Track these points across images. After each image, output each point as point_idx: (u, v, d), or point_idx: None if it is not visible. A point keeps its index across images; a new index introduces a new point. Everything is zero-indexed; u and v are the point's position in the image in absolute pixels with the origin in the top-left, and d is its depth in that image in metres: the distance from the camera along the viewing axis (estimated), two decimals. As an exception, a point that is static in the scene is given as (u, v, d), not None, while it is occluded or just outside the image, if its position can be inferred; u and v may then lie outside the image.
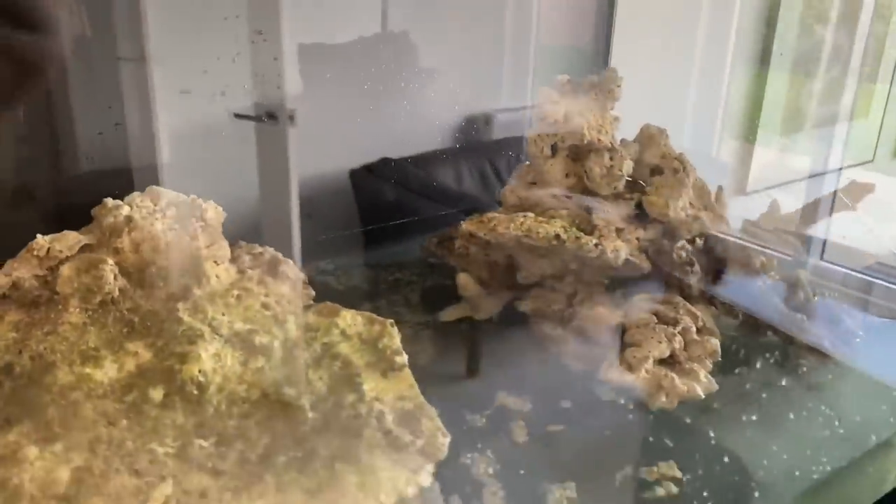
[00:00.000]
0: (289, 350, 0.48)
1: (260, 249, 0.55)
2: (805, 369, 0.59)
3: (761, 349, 0.61)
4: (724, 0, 1.50)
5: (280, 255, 0.54)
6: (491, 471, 0.47)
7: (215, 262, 0.51)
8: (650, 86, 0.94)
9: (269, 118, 1.16)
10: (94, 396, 0.42)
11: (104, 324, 0.46)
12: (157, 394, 0.43)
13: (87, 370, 0.44)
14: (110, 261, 0.47)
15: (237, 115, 1.13)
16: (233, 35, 0.90)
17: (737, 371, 0.58)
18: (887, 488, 0.47)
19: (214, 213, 0.54)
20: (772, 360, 0.60)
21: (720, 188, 0.70)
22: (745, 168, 1.57)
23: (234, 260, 0.53)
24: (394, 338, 0.49)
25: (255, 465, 0.41)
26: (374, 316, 0.51)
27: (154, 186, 0.55)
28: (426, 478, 0.42)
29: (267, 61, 1.02)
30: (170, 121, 0.95)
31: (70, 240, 0.49)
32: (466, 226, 0.63)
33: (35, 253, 0.48)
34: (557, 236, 0.60)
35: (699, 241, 0.68)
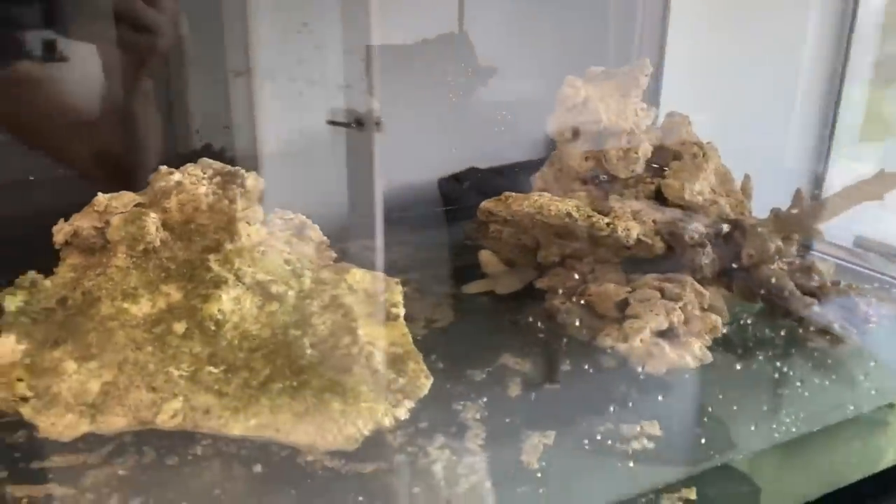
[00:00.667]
0: (300, 299, 0.53)
1: (291, 215, 0.61)
2: (812, 348, 0.59)
3: (772, 330, 0.62)
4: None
5: (309, 222, 0.60)
6: (478, 416, 0.51)
7: (247, 222, 0.57)
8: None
9: (358, 125, 1.24)
10: (128, 326, 0.49)
11: (145, 268, 0.53)
12: (179, 327, 0.49)
13: (126, 305, 0.51)
14: (153, 214, 0.55)
15: (330, 122, 1.21)
16: (322, 40, 0.96)
17: (739, 350, 0.59)
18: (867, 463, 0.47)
19: (254, 182, 0.61)
20: (777, 340, 0.60)
21: (747, 177, 0.70)
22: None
23: (266, 222, 0.60)
24: (395, 294, 0.54)
25: (254, 391, 0.47)
26: (381, 274, 0.56)
27: (205, 158, 0.62)
28: (403, 412, 0.47)
29: (357, 67, 1.08)
30: (270, 126, 1.02)
31: (126, 199, 0.57)
32: (486, 204, 0.67)
33: (95, 208, 0.56)
34: (569, 214, 0.63)
35: (726, 227, 0.69)
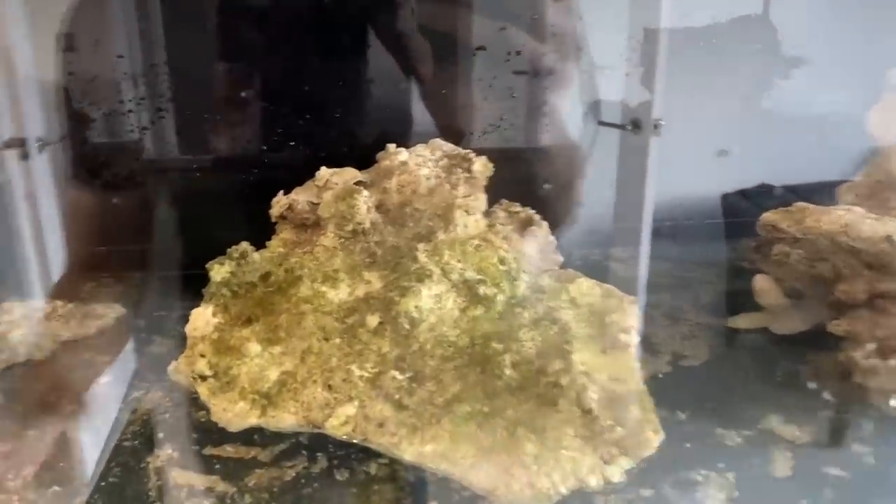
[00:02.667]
0: (510, 306, 0.44)
1: (518, 209, 0.52)
2: None
3: None
4: None
5: (537, 217, 0.51)
6: (723, 497, 0.38)
7: (466, 211, 0.50)
8: None
9: (634, 127, 1.12)
10: (320, 312, 0.44)
11: (351, 251, 0.48)
12: (372, 320, 0.43)
13: (324, 288, 0.46)
14: (365, 193, 0.49)
15: (601, 123, 1.12)
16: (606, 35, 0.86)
17: None
18: None
19: (481, 167, 0.53)
20: None
21: None
22: None
23: (488, 213, 0.52)
24: (628, 315, 0.42)
25: (437, 409, 0.39)
26: (615, 290, 0.45)
27: (437, 139, 0.56)
28: (617, 473, 0.35)
29: (633, 56, 0.97)
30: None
31: (347, 175, 0.53)
32: (770, 216, 0.52)
33: (316, 182, 0.52)
34: (890, 238, 0.46)
35: None
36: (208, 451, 0.42)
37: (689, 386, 0.48)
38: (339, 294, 0.45)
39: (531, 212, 0.52)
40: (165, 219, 0.66)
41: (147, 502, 0.38)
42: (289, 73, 0.65)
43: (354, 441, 0.38)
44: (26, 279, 0.63)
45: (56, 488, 0.39)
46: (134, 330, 0.54)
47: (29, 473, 0.40)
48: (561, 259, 0.49)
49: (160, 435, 0.43)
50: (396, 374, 0.41)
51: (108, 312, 0.54)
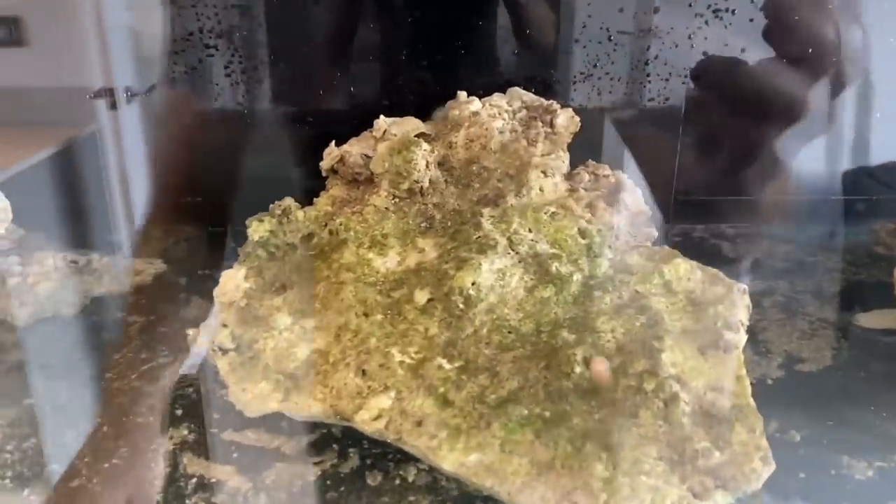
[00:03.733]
0: (588, 288, 0.36)
1: (608, 172, 0.44)
2: None
3: None
4: None
5: (629, 183, 0.43)
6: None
7: (544, 172, 0.42)
8: None
9: None
10: (363, 282, 0.38)
11: (405, 213, 0.42)
12: (421, 296, 0.36)
13: (370, 255, 0.39)
14: (425, 146, 0.42)
15: None
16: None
17: None
18: None
19: (567, 121, 0.45)
20: None
21: None
22: None
23: (570, 175, 0.44)
24: (736, 308, 0.34)
25: (488, 409, 0.31)
26: (721, 275, 0.36)
27: (516, 88, 0.48)
28: (711, 511, 0.27)
29: None
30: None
31: (408, 125, 0.46)
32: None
33: (373, 133, 0.45)
34: None
35: None
36: (228, 435, 0.37)
37: (805, 397, 0.39)
38: (387, 263, 0.39)
39: (622, 175, 0.44)
40: (247, 172, 0.62)
41: (148, 491, 0.33)
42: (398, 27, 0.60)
43: (388, 440, 0.32)
44: (109, 229, 0.62)
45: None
46: (173, 288, 0.50)
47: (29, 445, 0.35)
48: (655, 234, 0.41)
49: (178, 412, 0.38)
50: (444, 362, 0.34)
51: (148, 268, 0.50)
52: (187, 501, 0.32)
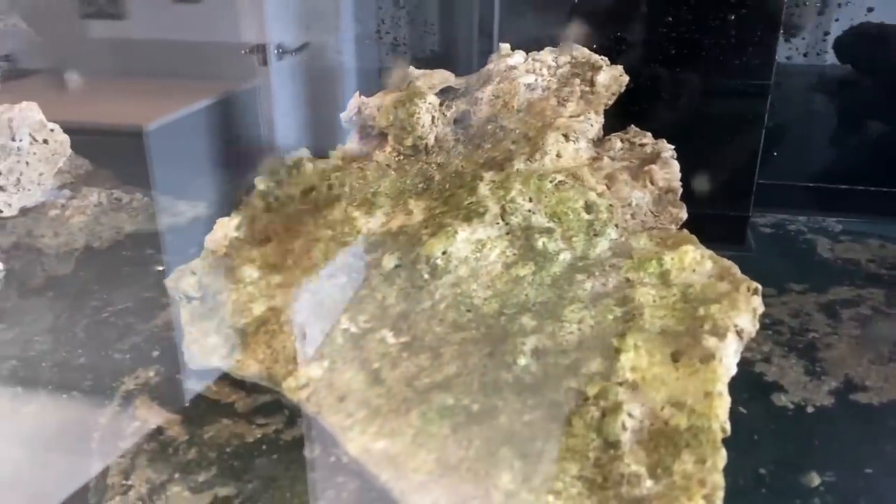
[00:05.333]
0: (573, 270, 0.31)
1: (646, 140, 0.38)
2: None
3: None
4: None
5: (667, 154, 0.36)
6: None
7: (565, 135, 0.37)
8: None
9: None
10: (337, 242, 0.35)
11: (405, 172, 0.38)
12: (389, 261, 0.33)
13: (356, 214, 0.36)
14: (430, 100, 0.38)
15: None
16: None
17: None
18: None
19: (609, 80, 0.40)
20: None
21: None
22: None
23: (600, 142, 0.38)
24: (733, 310, 0.27)
25: (415, 393, 0.28)
26: (734, 269, 0.30)
27: (571, 42, 0.43)
28: (623, 553, 0.22)
29: None
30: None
31: (437, 78, 0.42)
32: None
33: (400, 85, 0.42)
34: None
35: None
36: (191, 384, 0.36)
37: (848, 433, 0.32)
38: (370, 223, 0.36)
39: (664, 145, 0.37)
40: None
41: (89, 433, 0.33)
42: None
43: (308, 412, 0.29)
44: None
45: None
46: (203, 231, 0.50)
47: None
48: (684, 215, 0.35)
49: (154, 353, 0.38)
50: (389, 335, 0.30)
51: (187, 211, 0.50)
52: (120, 444, 0.32)
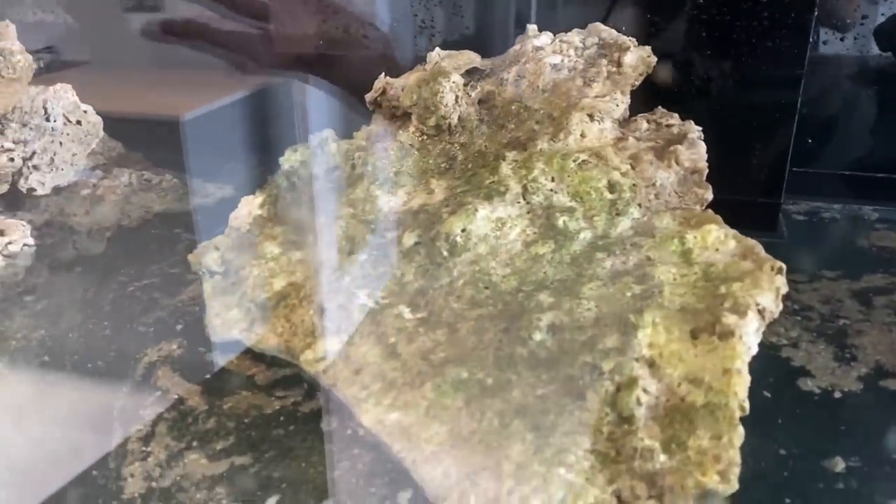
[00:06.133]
0: (594, 249, 0.31)
1: (673, 121, 0.37)
2: None
3: None
4: None
5: (694, 135, 0.36)
6: None
7: (590, 115, 0.36)
8: None
9: None
10: (358, 220, 0.35)
11: (428, 152, 0.38)
12: (409, 238, 0.33)
13: (377, 193, 0.36)
14: (454, 79, 0.38)
15: None
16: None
17: None
18: None
19: (637, 60, 0.39)
20: None
21: None
22: None
23: (626, 122, 0.38)
24: (756, 288, 0.27)
25: (430, 367, 0.28)
26: (758, 248, 0.29)
27: (598, 24, 0.43)
28: (635, 525, 0.22)
29: None
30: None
31: (462, 59, 0.42)
32: None
33: (424, 65, 0.42)
34: None
35: None
36: (212, 356, 0.36)
37: (874, 419, 0.31)
38: (391, 202, 0.36)
39: (692, 126, 0.37)
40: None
41: (111, 400, 0.33)
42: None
43: (325, 385, 0.29)
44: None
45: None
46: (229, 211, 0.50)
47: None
48: (709, 196, 0.34)
49: (178, 327, 0.39)
50: (406, 310, 0.30)
51: (215, 192, 0.51)
52: (141, 412, 0.32)
